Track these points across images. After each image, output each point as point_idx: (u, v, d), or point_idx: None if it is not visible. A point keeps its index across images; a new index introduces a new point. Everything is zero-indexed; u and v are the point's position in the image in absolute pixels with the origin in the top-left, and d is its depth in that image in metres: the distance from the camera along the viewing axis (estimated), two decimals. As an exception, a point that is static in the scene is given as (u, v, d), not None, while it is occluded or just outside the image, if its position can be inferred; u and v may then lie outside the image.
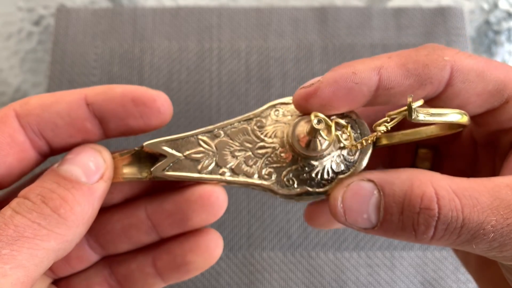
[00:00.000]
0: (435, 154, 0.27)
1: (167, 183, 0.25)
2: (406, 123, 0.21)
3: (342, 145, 0.22)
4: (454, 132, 0.21)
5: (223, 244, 0.25)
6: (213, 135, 0.23)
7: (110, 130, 0.23)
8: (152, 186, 0.25)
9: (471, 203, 0.18)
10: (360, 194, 0.20)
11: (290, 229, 0.42)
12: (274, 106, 0.23)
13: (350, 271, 0.41)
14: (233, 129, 0.23)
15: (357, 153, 0.22)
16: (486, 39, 0.50)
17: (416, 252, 0.41)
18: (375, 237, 0.41)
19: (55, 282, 0.25)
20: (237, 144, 0.23)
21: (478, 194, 0.18)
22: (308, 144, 0.22)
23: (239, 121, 0.23)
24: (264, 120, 0.23)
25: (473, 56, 0.21)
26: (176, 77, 0.46)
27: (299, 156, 0.22)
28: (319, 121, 0.20)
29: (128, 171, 0.22)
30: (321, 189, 0.22)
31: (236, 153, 0.23)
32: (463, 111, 0.20)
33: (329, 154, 0.22)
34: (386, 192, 0.19)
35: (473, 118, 0.23)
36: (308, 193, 0.22)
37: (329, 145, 0.22)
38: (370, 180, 0.20)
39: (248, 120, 0.23)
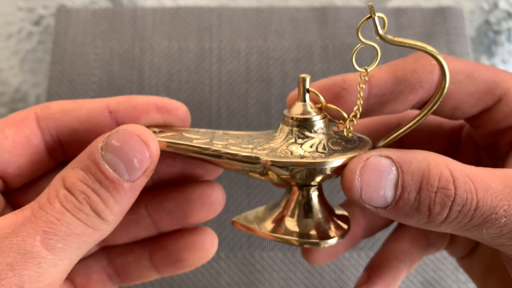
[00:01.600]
0: None
1: (168, 180, 0.25)
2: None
3: (337, 131, 0.23)
4: (440, 97, 0.21)
5: (217, 243, 0.26)
6: (212, 133, 0.23)
7: None
8: (152, 184, 0.26)
9: (485, 187, 0.18)
10: (379, 169, 0.20)
11: (290, 229, 0.42)
12: (269, 132, 0.24)
13: (350, 271, 0.41)
14: (233, 134, 0.24)
15: (355, 144, 0.22)
16: (486, 39, 0.50)
17: (416, 252, 0.41)
18: (375, 237, 0.41)
19: None
20: (234, 138, 0.23)
21: (489, 180, 0.19)
22: (299, 110, 0.22)
23: (237, 133, 0.24)
24: (259, 135, 0.24)
25: (461, 59, 0.22)
26: (176, 77, 0.46)
27: (293, 127, 0.22)
28: (304, 75, 0.21)
29: None
30: (316, 160, 0.20)
31: (232, 140, 0.23)
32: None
33: (324, 132, 0.22)
34: (404, 170, 0.19)
35: (471, 120, 0.24)
36: (303, 164, 0.20)
37: (322, 114, 0.22)
38: (388, 157, 0.20)
39: (246, 134, 0.24)
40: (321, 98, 0.22)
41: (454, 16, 0.48)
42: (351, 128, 0.22)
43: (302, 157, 0.20)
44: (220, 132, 0.24)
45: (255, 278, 0.40)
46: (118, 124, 0.23)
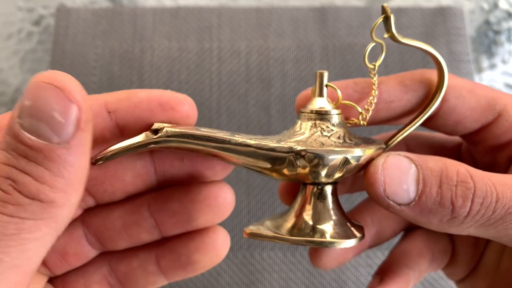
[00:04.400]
0: None
1: (173, 180, 0.23)
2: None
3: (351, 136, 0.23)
4: (442, 90, 0.22)
5: (229, 242, 0.23)
6: (230, 134, 0.22)
7: (131, 137, 0.20)
8: (156, 184, 0.23)
9: (501, 182, 0.19)
10: (400, 165, 0.20)
11: (290, 229, 0.42)
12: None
13: (350, 271, 0.41)
14: (250, 138, 0.22)
15: (368, 140, 0.23)
16: (486, 39, 0.50)
17: (416, 252, 0.41)
18: (375, 237, 0.41)
19: (51, 280, 0.23)
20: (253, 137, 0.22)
21: (503, 178, 0.20)
22: (319, 104, 0.22)
23: (255, 137, 0.22)
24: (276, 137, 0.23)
25: (460, 78, 0.23)
26: (176, 77, 0.46)
27: (316, 120, 0.22)
28: (322, 71, 0.22)
29: (134, 141, 0.20)
30: (353, 148, 0.21)
31: (252, 136, 0.22)
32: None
33: (342, 126, 0.22)
34: (423, 167, 0.20)
35: (470, 136, 0.25)
36: (337, 152, 0.20)
37: (339, 109, 0.22)
38: (406, 156, 0.21)
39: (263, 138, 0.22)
40: (339, 93, 0.23)
41: (454, 16, 0.48)
42: (367, 117, 0.23)
43: (336, 146, 0.21)
44: (228, 133, 0.22)
45: (255, 278, 0.40)
46: (118, 125, 0.20)
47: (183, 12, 0.48)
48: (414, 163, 0.20)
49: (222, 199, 0.22)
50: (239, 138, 0.20)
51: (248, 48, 0.47)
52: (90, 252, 0.23)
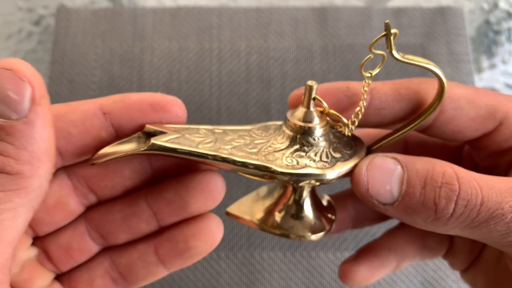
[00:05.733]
0: None
1: (167, 174, 0.25)
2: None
3: (340, 137, 0.23)
4: (437, 106, 0.22)
5: (223, 228, 0.25)
6: (213, 131, 0.23)
7: (126, 136, 0.22)
8: (152, 177, 0.25)
9: (488, 185, 0.19)
10: (384, 167, 0.21)
11: (290, 229, 0.42)
12: (267, 125, 0.24)
13: (350, 271, 0.41)
14: (231, 130, 0.24)
15: (353, 150, 0.23)
16: (486, 39, 0.50)
17: (416, 252, 0.41)
18: (375, 236, 0.41)
19: (57, 277, 0.25)
20: (235, 137, 0.23)
21: (493, 181, 0.20)
22: (304, 116, 0.22)
23: (236, 128, 0.24)
24: (258, 131, 0.24)
25: (462, 85, 0.23)
26: (176, 77, 0.46)
27: (298, 134, 0.22)
28: (311, 82, 0.22)
29: (127, 147, 0.22)
30: (321, 171, 0.21)
31: (235, 143, 0.23)
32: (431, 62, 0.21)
33: (326, 139, 0.22)
34: (409, 168, 0.21)
35: (471, 142, 0.24)
36: (309, 173, 0.21)
37: (324, 120, 0.22)
38: (393, 158, 0.21)
39: (244, 129, 0.24)
40: (325, 105, 0.22)
41: (454, 16, 0.48)
42: (353, 128, 0.23)
43: (308, 167, 0.22)
44: (220, 129, 0.23)
45: (255, 278, 0.40)
46: (113, 125, 0.22)
47: (183, 12, 0.48)
48: (401, 164, 0.21)
49: (214, 185, 0.24)
50: (223, 154, 0.22)
51: (248, 48, 0.47)
52: (93, 248, 0.25)
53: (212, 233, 0.24)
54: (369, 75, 0.22)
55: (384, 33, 0.20)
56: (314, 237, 0.24)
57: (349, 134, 0.23)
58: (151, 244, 0.25)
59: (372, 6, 0.49)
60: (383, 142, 0.23)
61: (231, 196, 0.42)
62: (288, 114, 0.23)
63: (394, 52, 0.20)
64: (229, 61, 0.46)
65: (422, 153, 0.26)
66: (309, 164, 0.22)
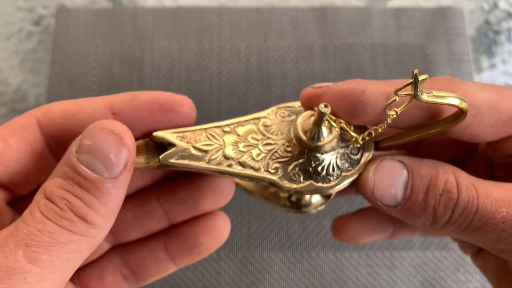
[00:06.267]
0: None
1: (178, 172, 0.25)
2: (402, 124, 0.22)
3: (343, 142, 0.23)
4: (453, 126, 0.21)
5: (230, 226, 0.26)
6: (222, 130, 0.23)
7: (135, 136, 0.22)
8: (163, 176, 0.26)
9: (486, 193, 0.20)
10: (391, 170, 0.21)
11: (290, 229, 0.42)
12: (279, 108, 0.24)
13: (350, 271, 0.41)
14: (240, 127, 0.23)
15: (360, 153, 0.23)
16: (486, 39, 0.50)
17: (416, 252, 0.41)
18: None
19: None
20: (244, 139, 0.23)
21: (492, 189, 0.20)
22: (313, 135, 0.22)
23: (246, 120, 0.24)
24: (269, 121, 0.24)
25: (487, 87, 0.21)
26: (176, 77, 0.46)
27: (305, 148, 0.22)
28: (325, 105, 0.21)
29: (136, 160, 0.22)
30: (326, 184, 0.22)
31: (244, 148, 0.23)
32: (460, 97, 0.20)
33: (334, 149, 0.22)
34: (414, 173, 0.21)
35: (489, 143, 0.23)
36: (313, 188, 0.22)
37: (334, 137, 0.22)
38: (400, 161, 0.22)
39: (255, 119, 0.24)
40: (335, 126, 0.22)
41: (454, 16, 0.48)
42: (361, 143, 0.23)
43: (312, 183, 0.22)
44: (229, 126, 0.23)
45: (255, 278, 0.40)
46: None
47: (183, 12, 0.48)
48: (407, 169, 0.21)
49: (224, 184, 0.25)
50: (231, 169, 0.22)
51: (248, 48, 0.47)
52: (104, 245, 0.25)
53: (221, 230, 0.25)
54: (393, 113, 0.20)
55: (411, 80, 0.19)
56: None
57: (357, 145, 0.23)
58: (160, 241, 0.25)
59: (372, 6, 0.49)
60: (391, 143, 0.23)
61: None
62: (299, 120, 0.23)
63: (423, 96, 0.19)
64: (229, 61, 0.46)
65: (436, 142, 0.26)
66: (314, 178, 0.22)
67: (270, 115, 0.24)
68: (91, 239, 0.19)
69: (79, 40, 0.46)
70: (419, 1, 0.51)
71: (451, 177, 0.21)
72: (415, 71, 0.18)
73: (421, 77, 0.19)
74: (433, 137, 0.26)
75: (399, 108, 0.20)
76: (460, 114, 0.20)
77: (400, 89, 0.19)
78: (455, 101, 0.19)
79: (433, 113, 0.22)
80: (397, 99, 0.20)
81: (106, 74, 0.46)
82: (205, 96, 0.45)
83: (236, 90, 0.45)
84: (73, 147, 0.19)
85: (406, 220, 0.22)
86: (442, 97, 0.19)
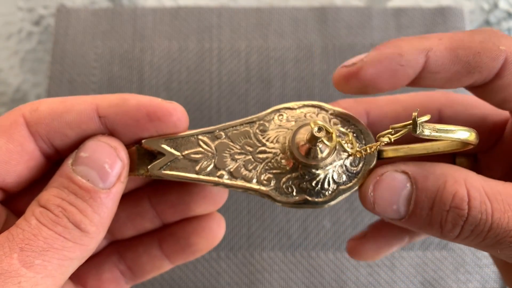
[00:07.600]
0: (474, 163, 0.26)
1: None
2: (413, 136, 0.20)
3: (344, 153, 0.22)
4: (462, 150, 0.20)
5: (225, 226, 0.25)
6: (214, 136, 0.22)
7: (122, 141, 0.22)
8: (154, 179, 0.26)
9: (503, 208, 0.18)
10: (393, 185, 0.20)
11: (290, 229, 0.42)
12: (278, 110, 0.23)
13: (350, 271, 0.41)
14: (234, 131, 0.23)
15: (361, 164, 0.22)
16: (486, 39, 0.50)
17: (416, 252, 0.41)
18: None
19: None
20: (237, 147, 0.22)
21: (510, 201, 0.18)
22: (308, 152, 0.21)
23: (241, 124, 0.23)
24: (267, 124, 0.23)
25: None
26: (176, 77, 0.46)
27: (300, 163, 0.22)
28: (319, 129, 0.20)
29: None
30: (320, 199, 0.21)
31: (236, 156, 0.22)
32: (471, 129, 0.19)
33: (330, 163, 0.22)
34: (419, 186, 0.19)
35: None
36: (307, 202, 0.21)
37: (330, 153, 0.21)
38: (404, 172, 0.20)
39: (251, 123, 0.23)
40: (330, 145, 0.21)
41: (454, 16, 0.48)
42: (364, 156, 0.22)
43: (306, 197, 0.21)
44: (220, 133, 0.22)
45: (255, 278, 0.40)
46: (108, 130, 0.22)
47: (183, 12, 0.48)
48: (410, 181, 0.20)
49: (216, 189, 0.25)
50: (223, 179, 0.22)
51: (248, 48, 0.47)
52: (101, 242, 0.25)
53: (213, 231, 0.25)
54: (387, 139, 0.20)
55: (409, 122, 0.18)
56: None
57: (357, 156, 0.22)
58: (155, 239, 0.26)
59: (372, 6, 0.49)
60: (396, 155, 0.22)
61: (231, 196, 0.42)
62: (296, 134, 0.22)
63: (425, 132, 0.18)
64: (229, 61, 0.46)
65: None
66: (308, 192, 0.21)
67: (268, 117, 0.23)
68: (84, 248, 0.19)
69: (79, 40, 0.46)
70: (419, 1, 0.51)
71: (461, 189, 0.18)
72: (414, 114, 0.17)
73: (422, 118, 0.18)
74: (455, 120, 0.24)
75: (394, 136, 0.20)
76: (464, 147, 0.19)
77: (396, 127, 0.19)
78: (464, 135, 0.18)
79: (473, 68, 0.20)
80: (392, 132, 0.19)
81: (106, 74, 0.46)
82: (205, 96, 0.45)
83: (236, 90, 0.45)
84: (68, 160, 0.20)
85: (415, 231, 0.21)
86: (447, 131, 0.18)
